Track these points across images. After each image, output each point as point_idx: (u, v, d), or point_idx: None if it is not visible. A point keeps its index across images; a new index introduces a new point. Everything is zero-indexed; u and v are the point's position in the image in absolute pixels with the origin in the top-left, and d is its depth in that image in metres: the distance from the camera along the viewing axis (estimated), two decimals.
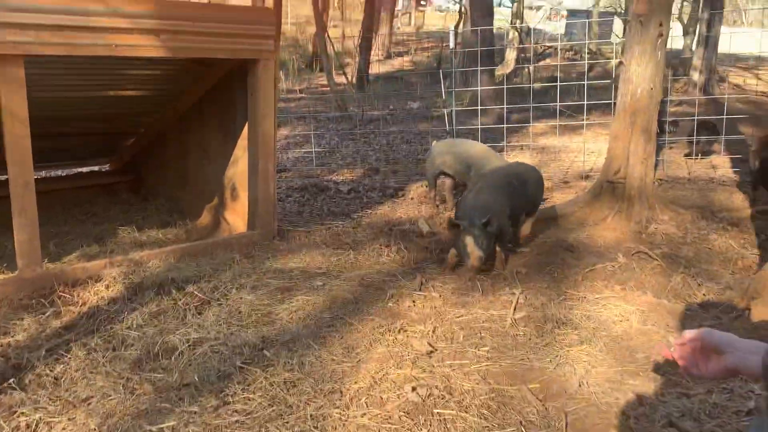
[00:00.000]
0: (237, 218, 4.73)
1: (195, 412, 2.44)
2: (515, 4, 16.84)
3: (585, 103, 6.77)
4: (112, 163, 6.04)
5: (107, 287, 3.62)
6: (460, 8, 11.70)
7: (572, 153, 7.87)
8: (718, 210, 5.00)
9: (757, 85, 13.06)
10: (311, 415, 2.40)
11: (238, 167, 4.65)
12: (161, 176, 5.60)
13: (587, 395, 2.48)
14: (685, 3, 18.50)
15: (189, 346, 2.98)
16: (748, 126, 7.53)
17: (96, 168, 6.16)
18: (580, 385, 2.56)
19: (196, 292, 3.54)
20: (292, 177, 7.27)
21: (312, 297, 3.57)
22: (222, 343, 3.01)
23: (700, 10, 16.89)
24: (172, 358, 2.88)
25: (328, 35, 13.90)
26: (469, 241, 3.61)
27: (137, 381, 2.68)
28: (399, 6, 30.79)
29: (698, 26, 17.06)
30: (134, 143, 5.76)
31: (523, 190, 4.23)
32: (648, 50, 4.44)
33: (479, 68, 8.93)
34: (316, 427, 2.32)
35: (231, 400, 2.54)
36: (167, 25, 3.67)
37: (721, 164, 6.60)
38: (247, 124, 4.43)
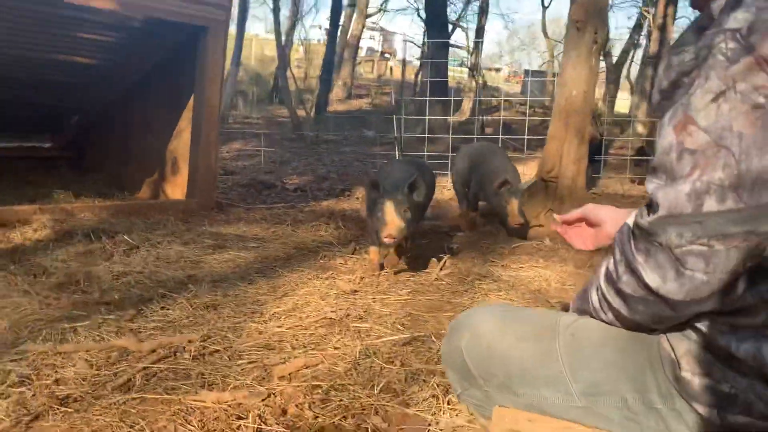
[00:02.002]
0: (176, 190, 4.73)
1: (111, 319, 2.42)
2: (472, 56, 17.47)
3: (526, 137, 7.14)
4: (54, 139, 5.96)
5: (35, 230, 3.58)
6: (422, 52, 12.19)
7: None
8: None
9: None
10: (228, 327, 2.41)
11: (182, 139, 4.69)
12: (103, 152, 5.56)
13: None
14: (633, 64, 19.65)
15: (112, 276, 2.96)
16: None
17: (37, 145, 6.08)
18: None
19: (127, 238, 3.53)
20: (239, 179, 7.29)
21: (244, 253, 3.59)
22: (147, 277, 3.00)
23: (644, 68, 17.94)
24: (94, 284, 2.86)
25: (291, 70, 14.24)
26: (389, 206, 2.87)
27: (54, 297, 2.65)
28: (363, 53, 31.56)
29: (641, 84, 18.08)
30: (78, 121, 5.73)
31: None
32: (583, 55, 4.73)
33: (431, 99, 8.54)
34: (232, 333, 2.34)
35: (149, 314, 2.53)
36: None
37: None
38: (192, 96, 4.50)
